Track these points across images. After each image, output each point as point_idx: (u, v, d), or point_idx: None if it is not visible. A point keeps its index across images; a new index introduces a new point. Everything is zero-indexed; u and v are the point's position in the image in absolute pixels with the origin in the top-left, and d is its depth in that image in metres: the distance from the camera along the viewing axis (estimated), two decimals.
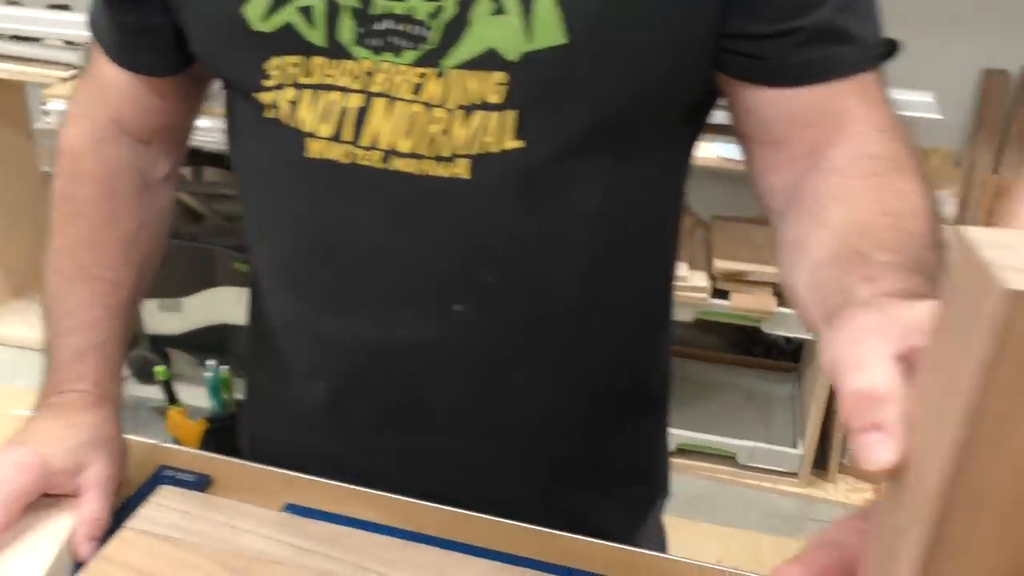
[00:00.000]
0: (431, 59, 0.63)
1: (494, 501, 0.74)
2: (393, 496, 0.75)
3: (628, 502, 0.86)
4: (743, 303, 1.99)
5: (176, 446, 0.81)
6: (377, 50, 0.64)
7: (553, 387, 0.75)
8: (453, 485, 0.76)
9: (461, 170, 0.64)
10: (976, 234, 0.30)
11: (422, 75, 0.63)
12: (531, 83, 0.62)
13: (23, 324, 2.47)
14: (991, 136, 2.23)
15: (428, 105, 0.63)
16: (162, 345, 2.32)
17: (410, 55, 0.63)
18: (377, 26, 0.63)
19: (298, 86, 0.66)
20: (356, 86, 0.65)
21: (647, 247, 0.75)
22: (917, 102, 1.84)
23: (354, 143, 0.65)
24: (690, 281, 1.99)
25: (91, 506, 0.68)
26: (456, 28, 0.62)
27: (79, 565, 0.67)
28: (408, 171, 0.65)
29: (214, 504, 0.72)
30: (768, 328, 2.03)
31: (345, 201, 0.67)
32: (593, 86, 0.63)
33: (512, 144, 0.64)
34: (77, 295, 0.76)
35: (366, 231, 0.68)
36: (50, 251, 0.78)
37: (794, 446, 2.15)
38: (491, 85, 0.62)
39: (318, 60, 0.65)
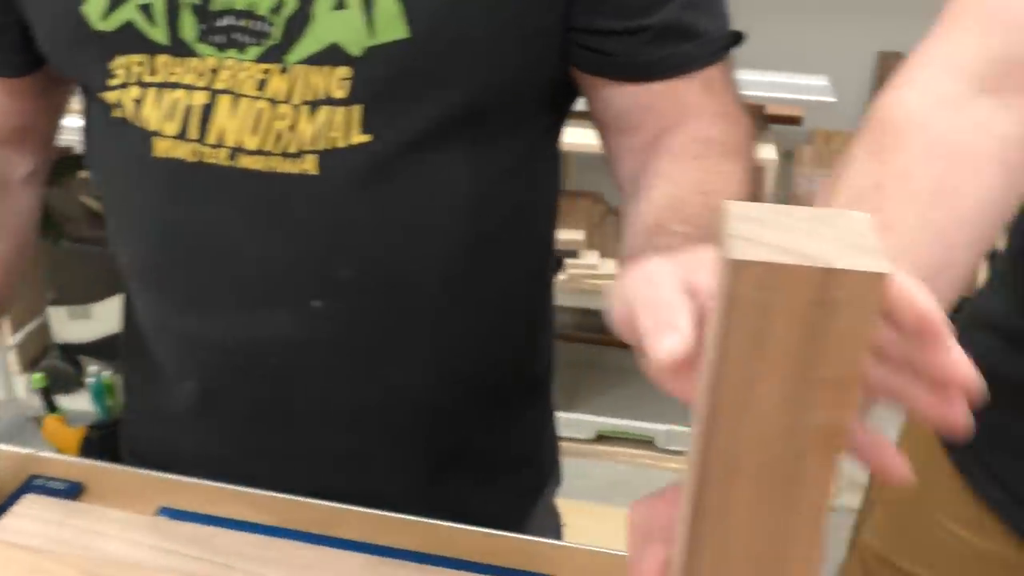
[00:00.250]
0: (275, 55, 0.63)
1: (374, 495, 0.74)
2: (269, 494, 0.74)
3: (514, 490, 0.86)
4: None
5: (51, 454, 0.79)
6: (221, 47, 0.63)
7: (425, 378, 0.75)
8: (331, 481, 0.76)
9: (309, 166, 0.64)
10: (736, 207, 0.31)
11: (266, 71, 0.63)
12: (375, 77, 0.62)
13: None
14: None
15: (273, 101, 0.63)
16: (73, 354, 2.27)
17: (254, 51, 0.63)
18: (219, 22, 0.63)
19: (143, 84, 0.65)
20: (201, 83, 0.64)
21: (516, 236, 0.76)
22: (812, 85, 1.87)
23: (200, 141, 0.65)
24: (600, 269, 2.01)
25: None
26: (298, 23, 0.62)
27: None
28: (256, 168, 0.65)
29: (79, 511, 0.71)
30: None
31: (196, 200, 0.67)
32: (438, 79, 0.63)
33: (359, 138, 0.64)
34: None
35: (219, 230, 0.67)
36: None
37: None
38: (335, 80, 0.62)
39: (163, 58, 0.64)
